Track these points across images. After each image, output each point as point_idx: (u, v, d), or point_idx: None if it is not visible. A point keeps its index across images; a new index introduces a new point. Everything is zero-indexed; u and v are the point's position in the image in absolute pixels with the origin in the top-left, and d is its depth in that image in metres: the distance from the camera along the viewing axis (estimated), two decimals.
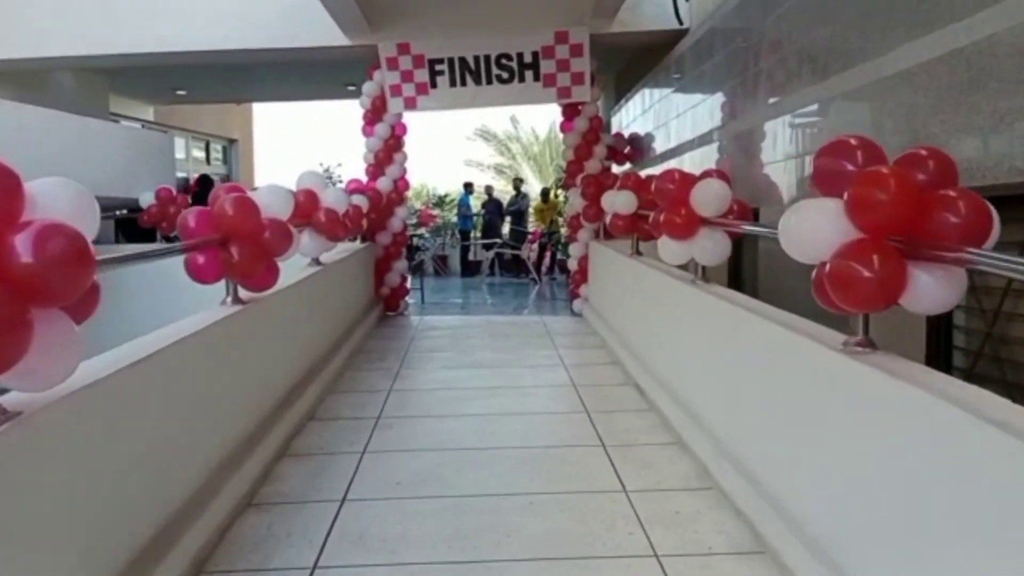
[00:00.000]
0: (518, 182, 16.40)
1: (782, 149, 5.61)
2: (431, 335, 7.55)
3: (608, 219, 6.30)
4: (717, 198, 4.11)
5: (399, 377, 5.77)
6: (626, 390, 5.23)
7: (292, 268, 5.78)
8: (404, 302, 9.06)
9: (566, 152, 8.65)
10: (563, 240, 14.13)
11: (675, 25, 7.79)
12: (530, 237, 14.91)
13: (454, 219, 16.77)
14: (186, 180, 15.97)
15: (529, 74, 8.19)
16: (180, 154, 16.00)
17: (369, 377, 5.78)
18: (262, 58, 9.12)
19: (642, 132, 9.84)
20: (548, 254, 14.70)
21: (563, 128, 8.64)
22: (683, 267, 4.63)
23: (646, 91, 9.52)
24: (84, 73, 10.29)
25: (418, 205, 20.73)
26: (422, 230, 16.96)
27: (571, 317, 8.49)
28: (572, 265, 8.69)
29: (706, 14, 7.22)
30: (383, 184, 8.62)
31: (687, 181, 4.30)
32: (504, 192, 25.16)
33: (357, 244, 8.01)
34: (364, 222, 7.89)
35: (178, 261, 3.67)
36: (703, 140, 7.28)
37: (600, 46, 8.06)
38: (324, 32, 8.32)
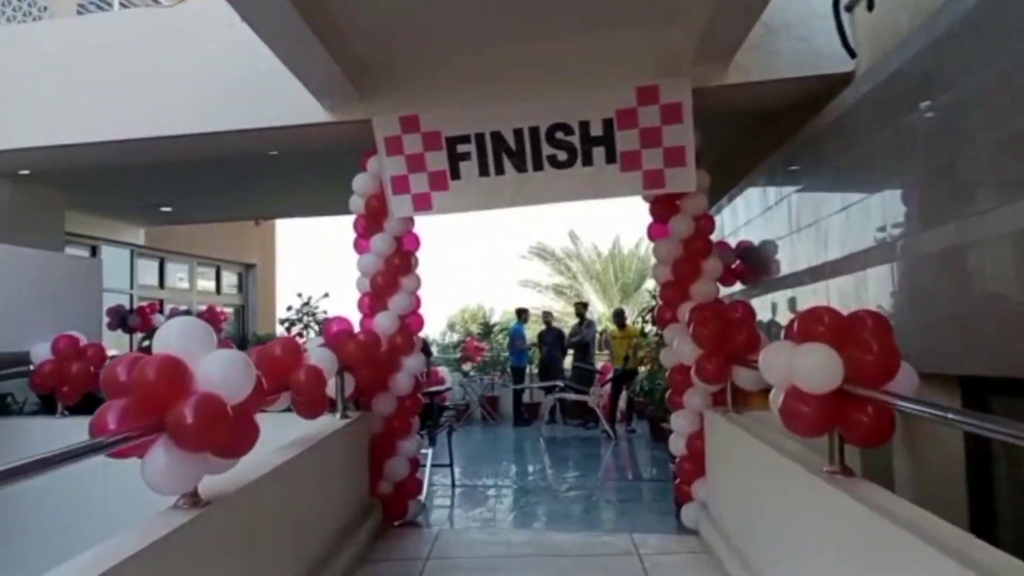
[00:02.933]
0: (581, 308, 13.38)
1: None
2: None
3: (777, 398, 3.16)
4: None
5: None
6: None
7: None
8: (417, 502, 5.96)
9: (658, 270, 5.64)
10: (643, 382, 10.97)
11: (835, 67, 4.89)
12: (599, 377, 11.80)
13: (505, 353, 13.83)
14: (188, 312, 13.55)
15: (599, 153, 5.34)
16: (183, 283, 13.64)
17: None
18: (223, 147, 6.55)
19: (760, 239, 6.82)
20: (623, 396, 11.51)
21: (652, 234, 5.68)
22: None
23: (768, 179, 6.56)
24: (26, 183, 7.92)
25: (474, 328, 17.94)
26: (467, 366, 14.04)
27: (679, 536, 5.24)
28: (677, 447, 5.51)
29: (898, 43, 4.30)
30: (383, 323, 5.73)
31: None
32: (564, 317, 22.30)
33: (334, 421, 5.04)
34: (334, 389, 4.98)
35: None
36: (898, 250, 4.23)
37: (705, 108, 5.19)
38: (297, 108, 5.71)
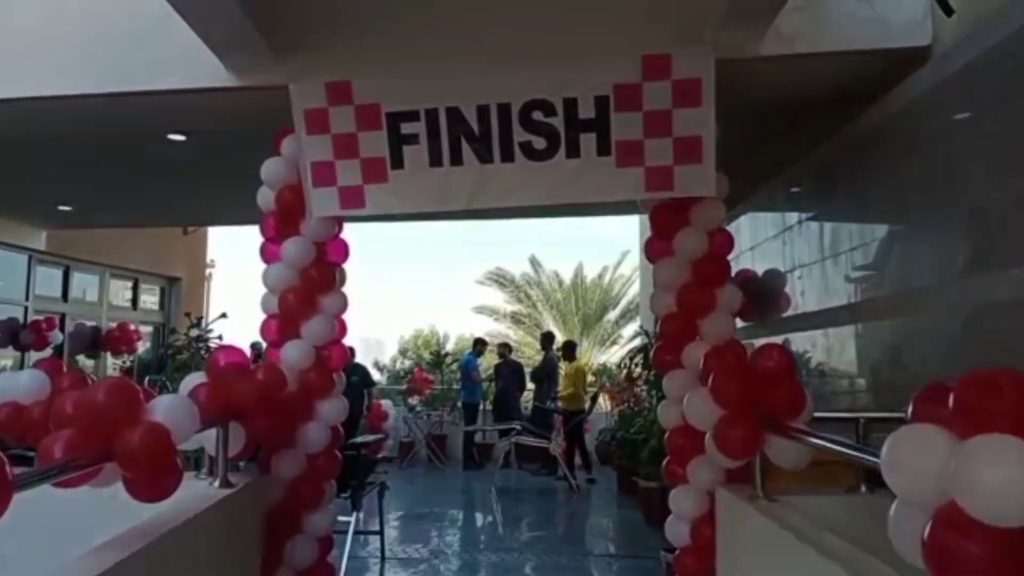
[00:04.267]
0: (547, 340, 12.01)
1: None
2: None
3: (913, 523, 1.85)
4: None
5: None
6: None
7: None
8: None
9: (658, 298, 4.33)
10: (613, 429, 9.68)
11: (905, 38, 3.68)
12: (559, 417, 10.45)
13: (457, 386, 12.45)
14: (96, 329, 11.85)
15: (589, 141, 4.04)
16: (91, 296, 11.97)
17: None
18: (103, 120, 5.12)
19: (773, 266, 5.60)
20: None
21: (652, 253, 4.38)
22: None
23: (789, 192, 5.34)
24: None
25: (426, 356, 16.49)
26: (414, 399, 12.61)
27: None
28: (676, 534, 4.16)
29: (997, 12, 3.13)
30: (292, 356, 4.31)
31: None
32: (522, 347, 20.93)
33: (210, 492, 3.59)
34: (214, 445, 3.58)
35: None
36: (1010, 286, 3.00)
37: (726, 90, 3.90)
38: (192, 68, 4.33)
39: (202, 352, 8.33)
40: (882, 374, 4.01)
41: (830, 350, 4.63)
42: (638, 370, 5.71)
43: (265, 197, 4.47)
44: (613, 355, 22.04)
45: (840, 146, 4.45)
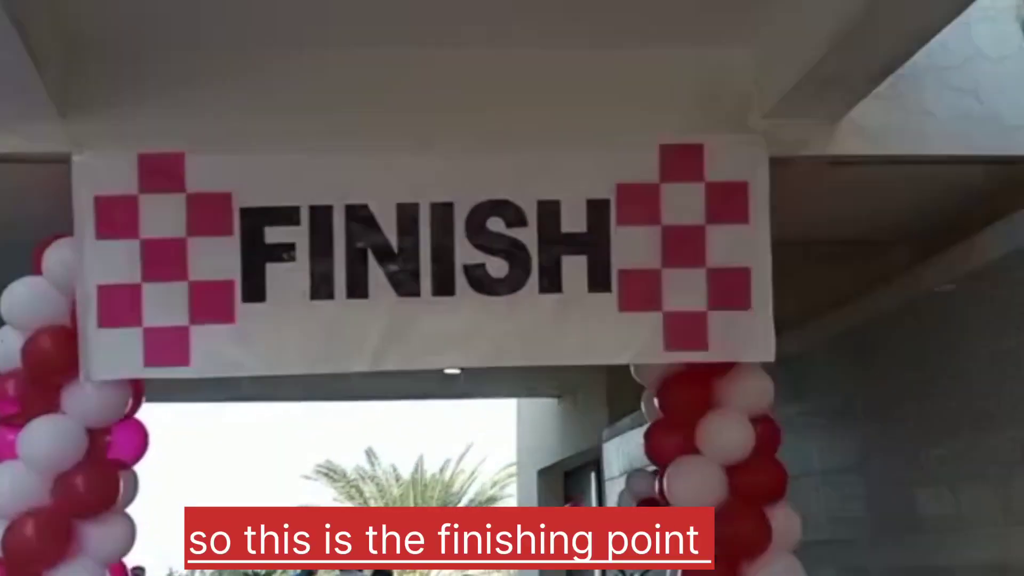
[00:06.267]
0: None
1: None
2: None
3: None
4: None
5: None
6: None
7: None
8: None
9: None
10: None
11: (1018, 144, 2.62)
12: None
13: None
14: None
15: (575, 267, 2.55)
16: None
17: None
18: None
19: None
20: None
21: (657, 452, 2.82)
22: None
23: (808, 358, 3.97)
24: None
25: None
26: None
27: None
28: None
29: None
30: None
31: None
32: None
33: None
34: None
35: None
36: None
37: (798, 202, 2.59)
38: None
39: None
40: None
41: None
42: None
43: (4, 346, 2.54)
44: None
45: (884, 305, 3.22)
